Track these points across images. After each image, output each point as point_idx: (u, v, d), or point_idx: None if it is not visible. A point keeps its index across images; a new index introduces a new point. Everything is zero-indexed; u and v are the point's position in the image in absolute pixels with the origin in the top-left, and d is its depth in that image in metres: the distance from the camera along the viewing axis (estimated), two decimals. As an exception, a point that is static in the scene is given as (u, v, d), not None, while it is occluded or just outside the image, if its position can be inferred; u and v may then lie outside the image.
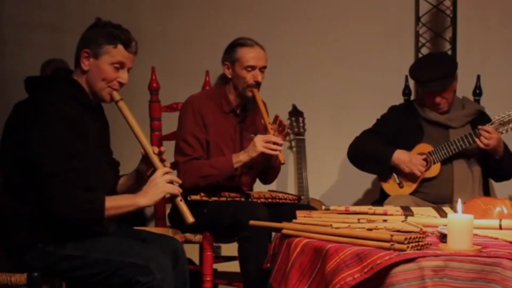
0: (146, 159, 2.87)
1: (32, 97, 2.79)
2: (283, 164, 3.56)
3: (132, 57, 2.83)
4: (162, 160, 2.83)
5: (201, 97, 3.73)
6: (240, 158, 3.54)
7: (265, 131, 3.60)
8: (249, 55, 3.63)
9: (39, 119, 2.66)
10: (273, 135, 3.51)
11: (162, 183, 2.74)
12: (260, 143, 3.47)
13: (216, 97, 3.71)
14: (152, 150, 2.82)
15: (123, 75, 2.81)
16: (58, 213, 2.63)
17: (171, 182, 2.76)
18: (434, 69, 3.91)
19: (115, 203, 2.71)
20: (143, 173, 2.92)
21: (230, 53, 3.67)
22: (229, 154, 3.60)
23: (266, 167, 3.73)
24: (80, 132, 2.71)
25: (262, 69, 3.65)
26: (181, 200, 2.77)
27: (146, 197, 2.73)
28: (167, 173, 2.77)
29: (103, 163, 2.88)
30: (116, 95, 2.82)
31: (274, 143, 3.47)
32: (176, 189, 2.77)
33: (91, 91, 2.82)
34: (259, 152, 3.48)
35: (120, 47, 2.78)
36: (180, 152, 3.62)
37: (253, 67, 3.63)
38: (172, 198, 2.79)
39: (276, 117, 3.58)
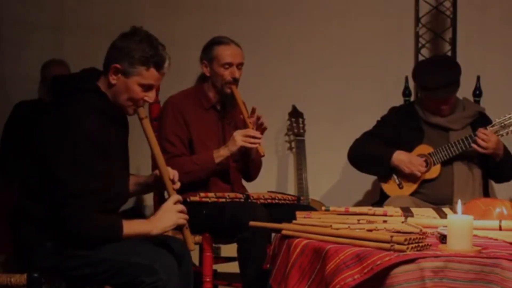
0: (160, 180, 2.90)
1: (59, 107, 2.75)
2: (262, 156, 3.67)
3: (162, 76, 2.79)
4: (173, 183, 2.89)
5: (179, 97, 3.78)
6: (221, 153, 3.62)
7: (245, 126, 3.66)
8: (225, 53, 3.69)
9: (64, 136, 2.65)
10: (252, 129, 3.60)
11: (174, 215, 2.78)
12: (239, 137, 3.58)
13: (195, 95, 3.78)
14: (168, 175, 2.86)
15: (151, 95, 2.78)
16: (73, 233, 2.65)
17: (181, 211, 2.81)
18: (439, 76, 3.86)
19: (130, 230, 2.73)
20: (151, 188, 3.10)
21: (208, 52, 3.74)
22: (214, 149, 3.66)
23: (246, 161, 3.78)
24: (105, 150, 2.71)
25: (239, 65, 3.72)
26: (186, 228, 2.83)
27: (159, 227, 2.76)
28: (178, 201, 2.82)
29: (123, 178, 2.90)
30: (142, 113, 2.80)
31: (253, 137, 3.56)
32: (184, 221, 2.81)
33: (115, 102, 2.79)
34: (239, 146, 3.58)
35: (152, 70, 2.73)
36: (163, 151, 3.61)
37: (230, 64, 3.69)
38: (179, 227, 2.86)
39: (253, 110, 3.65)
